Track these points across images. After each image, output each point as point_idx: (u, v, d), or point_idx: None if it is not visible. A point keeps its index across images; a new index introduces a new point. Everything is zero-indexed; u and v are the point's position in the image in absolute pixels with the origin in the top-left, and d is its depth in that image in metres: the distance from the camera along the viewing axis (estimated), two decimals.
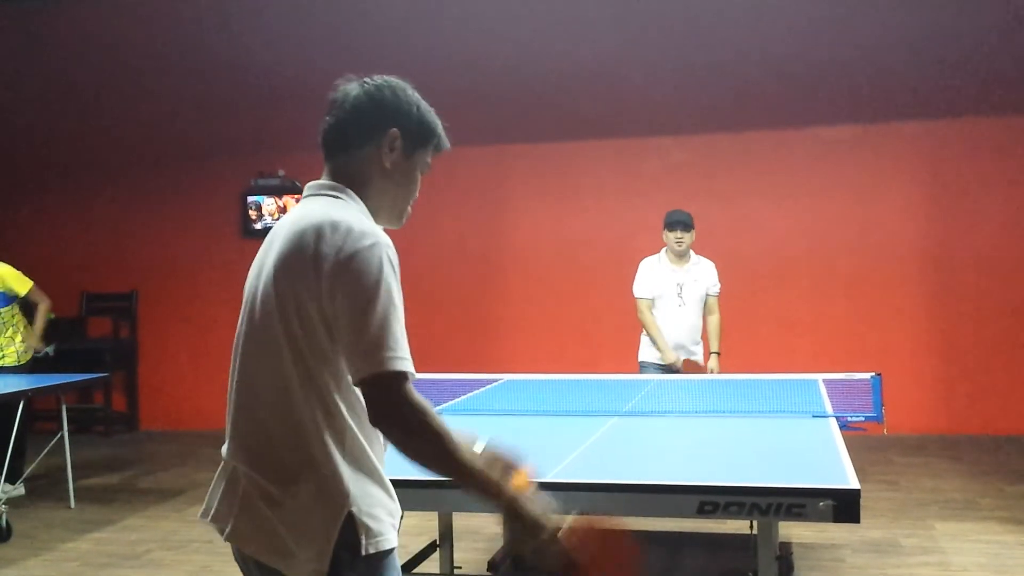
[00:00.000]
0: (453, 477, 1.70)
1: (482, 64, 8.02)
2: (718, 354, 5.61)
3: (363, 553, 1.72)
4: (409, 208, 1.97)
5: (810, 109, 7.76)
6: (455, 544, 4.03)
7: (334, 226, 1.72)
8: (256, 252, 1.88)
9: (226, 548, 1.86)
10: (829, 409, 3.72)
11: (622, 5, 7.93)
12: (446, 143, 1.96)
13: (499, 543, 4.34)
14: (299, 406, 1.73)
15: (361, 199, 1.86)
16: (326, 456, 1.73)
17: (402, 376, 1.66)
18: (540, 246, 8.17)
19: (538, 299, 8.21)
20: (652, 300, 5.55)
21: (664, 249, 5.63)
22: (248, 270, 1.90)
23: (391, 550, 1.78)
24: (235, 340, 1.86)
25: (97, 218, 8.99)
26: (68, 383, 6.14)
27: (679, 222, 5.52)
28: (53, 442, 5.86)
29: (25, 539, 5.21)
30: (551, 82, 8.12)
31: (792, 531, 4.78)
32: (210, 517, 1.86)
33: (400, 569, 1.83)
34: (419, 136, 1.90)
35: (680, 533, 4.82)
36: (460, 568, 4.11)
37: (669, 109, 7.95)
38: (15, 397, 5.50)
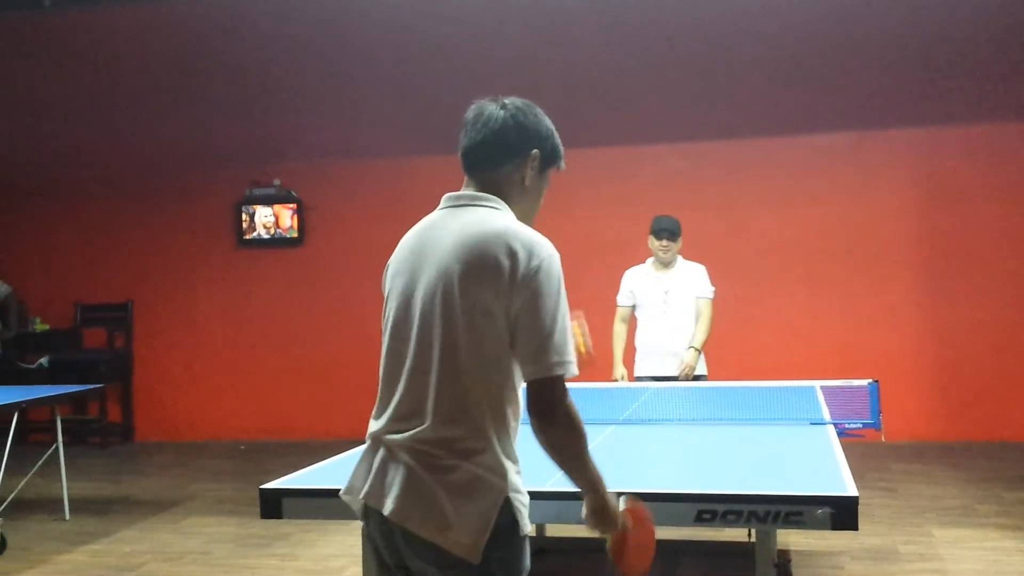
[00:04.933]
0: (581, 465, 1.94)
1: (475, 72, 8.02)
2: (696, 350, 5.31)
3: (520, 534, 1.91)
4: (532, 221, 2.09)
5: (805, 116, 7.77)
6: None
7: (517, 236, 1.90)
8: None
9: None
10: (827, 416, 3.72)
11: (617, 12, 7.94)
12: (563, 163, 2.14)
13: None
14: (472, 394, 1.89)
15: None
16: (488, 442, 1.90)
17: (564, 379, 1.88)
18: None
19: None
20: (631, 308, 5.50)
21: (650, 257, 5.54)
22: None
23: (526, 536, 1.96)
24: (394, 330, 1.99)
25: (91, 229, 8.98)
26: (63, 394, 6.11)
27: (665, 230, 5.41)
28: (48, 453, 5.83)
29: (20, 551, 5.18)
30: (546, 89, 8.08)
31: (790, 539, 4.76)
32: (362, 495, 1.96)
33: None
34: (551, 157, 2.10)
35: (678, 542, 4.80)
36: None
37: (664, 116, 7.96)
38: (9, 408, 5.48)
